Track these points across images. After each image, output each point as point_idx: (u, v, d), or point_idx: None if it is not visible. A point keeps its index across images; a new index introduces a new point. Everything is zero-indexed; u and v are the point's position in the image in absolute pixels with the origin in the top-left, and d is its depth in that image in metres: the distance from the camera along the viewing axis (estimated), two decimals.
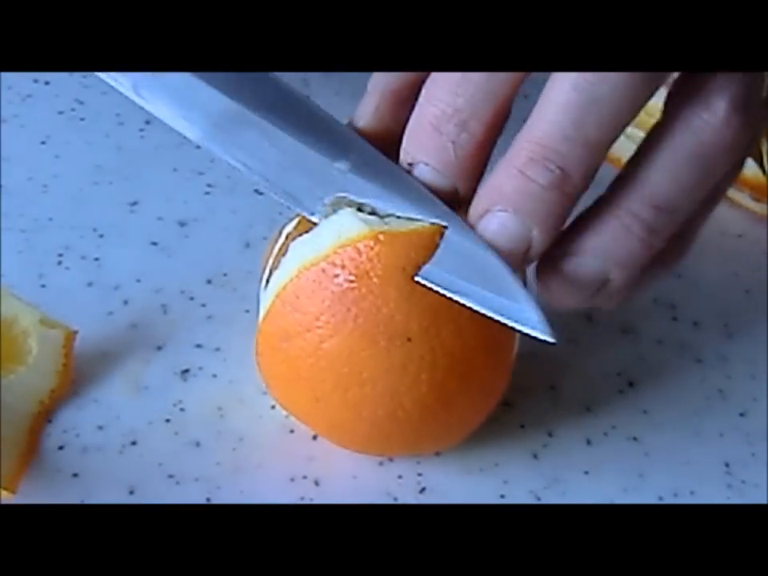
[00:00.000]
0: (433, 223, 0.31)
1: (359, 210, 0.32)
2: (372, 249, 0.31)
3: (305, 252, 0.32)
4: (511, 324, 0.30)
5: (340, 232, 0.31)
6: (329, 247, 0.31)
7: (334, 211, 0.32)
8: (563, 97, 0.29)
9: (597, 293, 0.32)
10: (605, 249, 0.31)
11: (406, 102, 0.33)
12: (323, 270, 0.31)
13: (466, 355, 0.32)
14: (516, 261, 0.31)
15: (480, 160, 0.31)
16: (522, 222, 0.30)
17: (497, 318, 0.30)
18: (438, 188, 0.31)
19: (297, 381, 0.33)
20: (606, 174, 0.31)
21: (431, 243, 0.31)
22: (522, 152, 0.30)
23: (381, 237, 0.31)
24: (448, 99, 0.30)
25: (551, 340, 0.30)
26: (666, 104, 0.31)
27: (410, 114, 0.32)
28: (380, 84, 0.34)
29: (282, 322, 0.32)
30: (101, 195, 0.44)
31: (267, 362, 0.34)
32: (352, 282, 0.31)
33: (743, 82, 0.30)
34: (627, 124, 0.30)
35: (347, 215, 0.32)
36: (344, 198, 0.32)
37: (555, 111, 0.29)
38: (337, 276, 0.31)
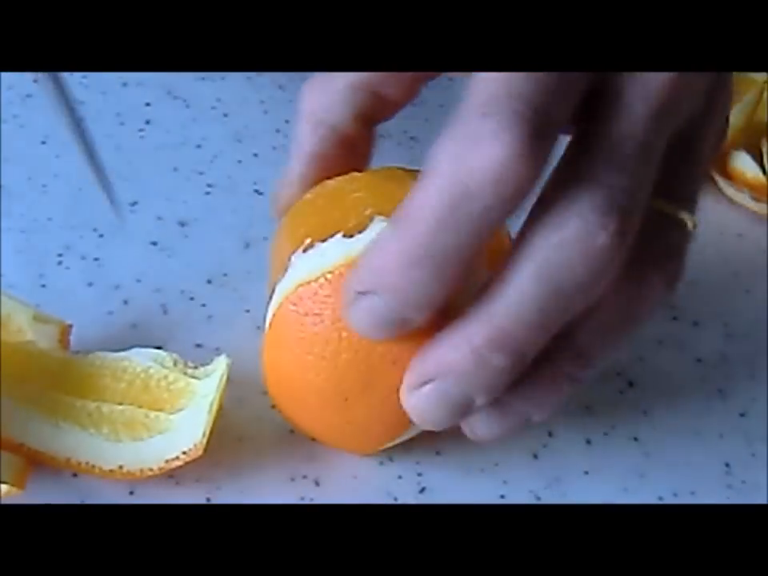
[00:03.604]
0: None
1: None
2: (321, 289, 0.32)
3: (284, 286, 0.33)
4: None
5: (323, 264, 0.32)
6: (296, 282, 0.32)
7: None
8: (525, 286, 0.28)
9: (516, 429, 0.32)
10: (530, 397, 0.31)
11: (332, 163, 0.34)
12: (294, 312, 0.32)
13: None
14: (451, 423, 0.31)
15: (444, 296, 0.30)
16: (467, 393, 0.30)
17: None
18: (383, 318, 0.30)
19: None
20: None
21: None
22: (480, 333, 0.29)
23: (328, 276, 0.32)
24: (426, 239, 0.28)
25: None
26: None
27: (337, 173, 0.33)
28: (303, 148, 0.34)
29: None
30: (101, 195, 0.44)
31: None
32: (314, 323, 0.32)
33: (676, 251, 0.32)
34: (584, 306, 0.29)
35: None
36: None
37: (517, 300, 0.28)
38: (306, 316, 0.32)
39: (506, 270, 0.29)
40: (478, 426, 0.32)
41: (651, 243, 0.31)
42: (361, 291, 0.29)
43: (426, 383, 0.30)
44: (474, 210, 0.27)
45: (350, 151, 0.34)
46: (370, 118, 0.34)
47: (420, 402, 0.31)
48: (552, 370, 0.31)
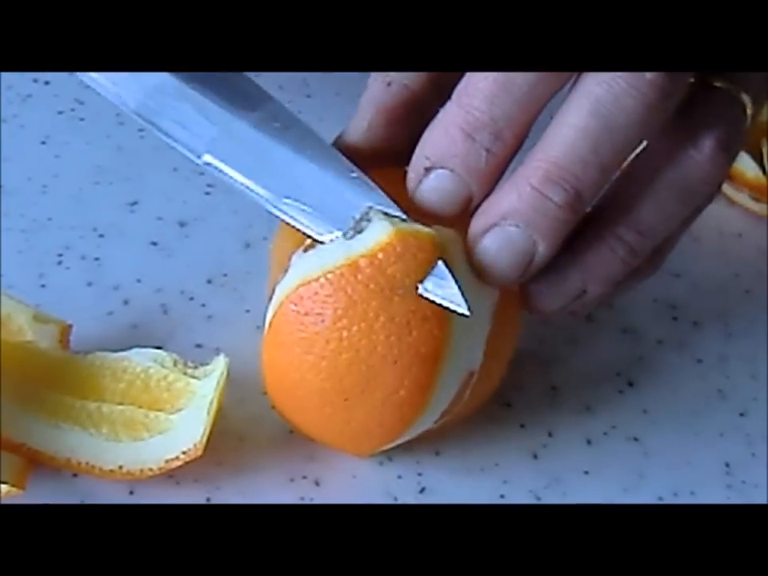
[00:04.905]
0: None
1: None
2: (322, 289, 0.31)
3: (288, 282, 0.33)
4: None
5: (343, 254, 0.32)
6: (319, 271, 0.32)
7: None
8: (582, 122, 0.30)
9: (572, 302, 0.34)
10: (588, 265, 0.33)
11: (400, 120, 0.33)
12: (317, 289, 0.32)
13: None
14: (518, 274, 0.31)
15: (503, 170, 0.32)
16: (530, 236, 0.31)
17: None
18: (452, 195, 0.32)
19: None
20: None
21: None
22: (538, 170, 0.30)
23: (329, 276, 0.31)
24: (483, 107, 0.30)
25: (466, 312, 0.30)
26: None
27: (403, 133, 0.33)
28: (374, 100, 0.34)
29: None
30: (101, 195, 0.44)
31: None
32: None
33: (729, 121, 0.33)
34: (635, 149, 0.31)
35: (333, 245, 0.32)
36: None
37: (573, 135, 0.30)
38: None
39: (559, 113, 0.30)
40: (539, 295, 0.33)
41: (705, 112, 0.32)
42: (428, 167, 0.31)
43: (489, 229, 0.31)
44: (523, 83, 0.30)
45: (417, 111, 0.34)
46: (441, 80, 0.34)
47: (486, 249, 0.31)
48: (610, 235, 0.32)
